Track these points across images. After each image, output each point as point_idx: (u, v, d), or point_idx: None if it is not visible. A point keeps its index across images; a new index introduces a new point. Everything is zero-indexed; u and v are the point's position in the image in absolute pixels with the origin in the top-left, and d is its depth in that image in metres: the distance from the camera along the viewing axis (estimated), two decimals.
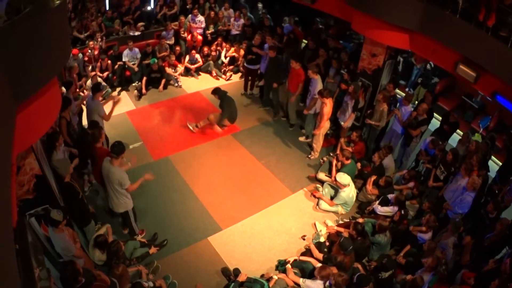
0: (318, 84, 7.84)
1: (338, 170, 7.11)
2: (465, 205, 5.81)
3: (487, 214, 5.76)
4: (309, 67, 7.96)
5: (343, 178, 6.76)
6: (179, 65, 10.69)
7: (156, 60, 10.02)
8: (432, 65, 10.21)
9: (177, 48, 10.81)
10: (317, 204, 7.07)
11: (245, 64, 9.98)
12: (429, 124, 7.59)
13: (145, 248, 5.83)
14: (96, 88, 6.94)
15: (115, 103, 7.09)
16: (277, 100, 9.38)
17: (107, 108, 7.12)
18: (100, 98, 7.19)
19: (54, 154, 5.32)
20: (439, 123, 7.87)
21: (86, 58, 9.57)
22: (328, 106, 7.40)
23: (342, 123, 8.07)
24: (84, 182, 6.83)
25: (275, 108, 9.52)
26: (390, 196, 6.59)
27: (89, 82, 9.19)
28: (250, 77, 10.12)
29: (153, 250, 5.83)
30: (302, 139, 8.78)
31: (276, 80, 8.92)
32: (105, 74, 9.81)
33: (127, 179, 5.43)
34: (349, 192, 6.79)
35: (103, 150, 5.91)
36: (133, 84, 10.25)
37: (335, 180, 6.87)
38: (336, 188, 6.98)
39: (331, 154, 8.13)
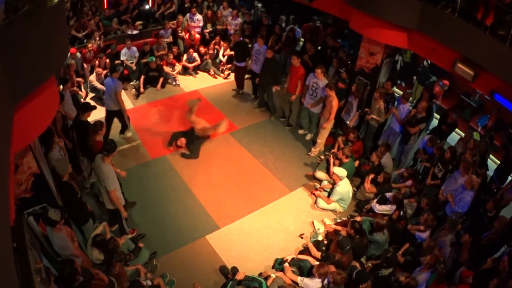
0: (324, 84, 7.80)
1: None
2: (464, 204, 5.82)
3: (486, 213, 5.77)
4: (317, 66, 7.80)
5: (340, 171, 6.77)
6: (177, 64, 10.67)
7: (154, 59, 9.99)
8: (429, 63, 10.20)
9: (175, 48, 10.78)
10: (315, 203, 7.07)
11: (234, 61, 10.03)
12: (428, 121, 7.61)
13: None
14: (113, 69, 7.59)
15: None
16: (272, 101, 9.24)
17: None
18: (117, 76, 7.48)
19: (51, 153, 5.32)
20: (436, 121, 7.88)
21: (85, 58, 9.59)
22: (335, 98, 7.46)
23: (348, 122, 8.10)
24: (85, 178, 6.81)
25: (271, 109, 9.40)
26: (388, 194, 6.60)
27: (93, 76, 9.32)
28: (239, 75, 10.10)
29: (141, 244, 5.79)
30: (308, 137, 8.76)
31: (274, 81, 8.77)
32: (103, 72, 9.79)
33: (114, 182, 5.40)
34: (344, 186, 6.79)
35: (101, 145, 5.93)
36: (131, 83, 10.21)
37: (332, 173, 6.87)
38: (333, 184, 6.98)
39: (327, 153, 8.13)
